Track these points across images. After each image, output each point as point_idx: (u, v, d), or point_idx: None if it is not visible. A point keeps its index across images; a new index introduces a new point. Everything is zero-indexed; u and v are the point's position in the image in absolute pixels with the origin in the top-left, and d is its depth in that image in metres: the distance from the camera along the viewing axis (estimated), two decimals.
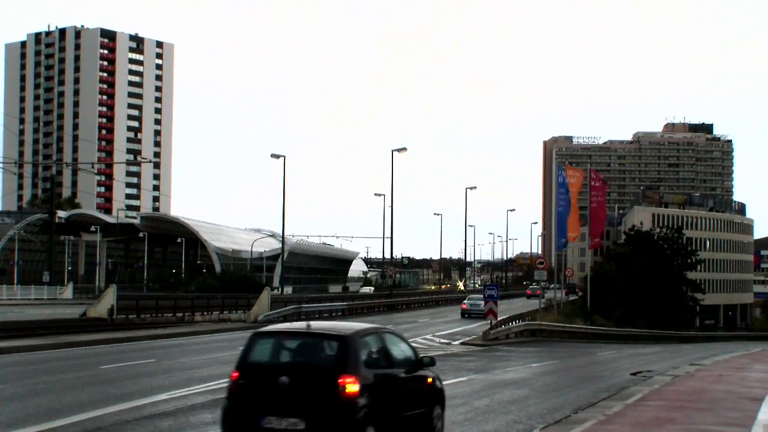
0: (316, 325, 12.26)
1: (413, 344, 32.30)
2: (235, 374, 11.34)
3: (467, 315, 58.91)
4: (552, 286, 73.01)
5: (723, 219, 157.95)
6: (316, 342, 11.56)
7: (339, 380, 10.67)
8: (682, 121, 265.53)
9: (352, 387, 10.68)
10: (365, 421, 10.75)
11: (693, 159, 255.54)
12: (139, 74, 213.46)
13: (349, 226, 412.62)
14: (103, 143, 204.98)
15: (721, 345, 57.32)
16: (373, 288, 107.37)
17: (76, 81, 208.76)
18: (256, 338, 11.97)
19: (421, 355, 12.82)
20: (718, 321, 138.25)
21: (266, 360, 11.59)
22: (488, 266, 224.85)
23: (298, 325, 12.89)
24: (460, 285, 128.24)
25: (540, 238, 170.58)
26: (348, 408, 10.64)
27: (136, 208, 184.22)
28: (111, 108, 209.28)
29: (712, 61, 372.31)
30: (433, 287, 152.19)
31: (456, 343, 37.60)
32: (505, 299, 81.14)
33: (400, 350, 12.44)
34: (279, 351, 11.71)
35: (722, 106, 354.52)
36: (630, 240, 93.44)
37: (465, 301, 63.24)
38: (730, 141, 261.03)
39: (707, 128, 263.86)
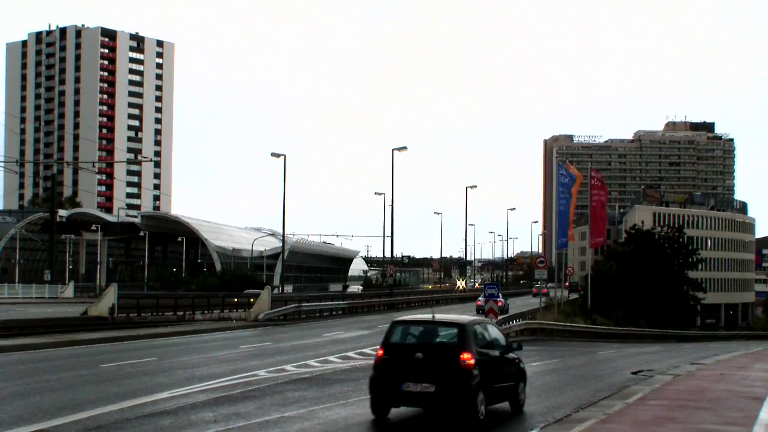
0: (439, 316, 15.58)
1: None
2: (381, 351, 14.93)
3: (482, 311, 60.26)
4: (550, 285, 73.17)
5: (724, 218, 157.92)
6: (440, 328, 15.30)
7: (460, 356, 14.29)
8: (683, 120, 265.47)
9: (469, 360, 14.31)
10: (478, 387, 14.37)
11: (694, 158, 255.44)
12: (140, 73, 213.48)
13: (350, 225, 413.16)
14: (104, 142, 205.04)
15: (722, 344, 57.29)
16: (361, 287, 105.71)
17: (77, 80, 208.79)
18: (394, 325, 15.56)
19: (511, 341, 16.79)
20: (719, 320, 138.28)
21: (403, 341, 15.17)
22: (488, 265, 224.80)
23: (425, 316, 15.94)
24: (460, 284, 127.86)
25: (540, 237, 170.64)
26: (466, 376, 14.23)
27: (137, 207, 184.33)
28: (111, 107, 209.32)
29: (713, 60, 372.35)
30: (429, 287, 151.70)
31: None
32: (505, 298, 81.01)
33: (495, 337, 16.18)
34: (412, 334, 15.33)
35: (724, 104, 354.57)
36: (631, 239, 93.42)
37: (480, 298, 65.13)
38: (732, 140, 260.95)
39: (708, 127, 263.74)
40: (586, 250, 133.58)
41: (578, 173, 64.33)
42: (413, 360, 14.49)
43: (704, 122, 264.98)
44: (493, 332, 16.33)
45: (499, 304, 59.28)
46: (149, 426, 13.93)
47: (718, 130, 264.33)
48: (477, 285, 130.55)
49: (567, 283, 78.47)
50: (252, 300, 55.53)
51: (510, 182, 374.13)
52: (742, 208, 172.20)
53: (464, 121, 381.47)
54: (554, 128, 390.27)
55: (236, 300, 54.79)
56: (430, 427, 14.94)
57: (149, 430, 13.62)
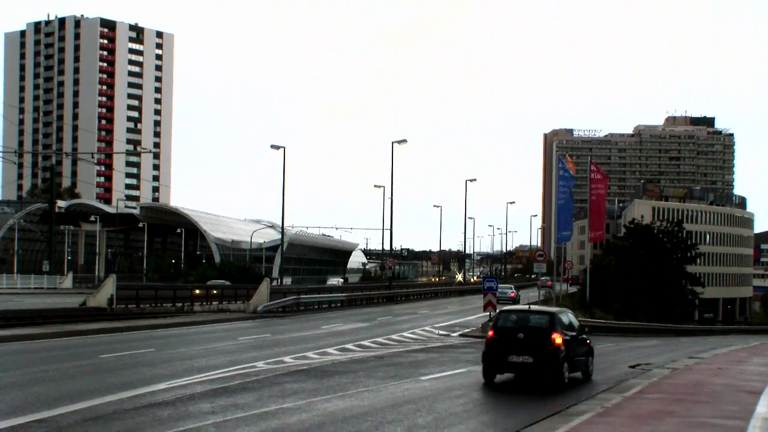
0: (534, 307, 21.44)
1: (413, 335, 32.15)
2: (491, 333, 19.79)
3: (498, 301, 64.02)
4: (545, 278, 73.68)
5: (723, 213, 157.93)
6: (535, 315, 20.35)
7: (551, 336, 19.14)
8: (683, 115, 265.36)
9: (558, 340, 19.15)
10: (563, 360, 19.26)
11: (694, 152, 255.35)
12: (139, 64, 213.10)
13: (349, 217, 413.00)
14: (103, 133, 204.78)
15: (720, 338, 57.33)
16: (341, 280, 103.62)
17: (76, 71, 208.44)
18: (501, 313, 20.89)
19: (582, 327, 21.69)
20: (717, 314, 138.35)
21: (508, 324, 19.94)
22: (487, 258, 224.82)
23: (522, 306, 22.43)
24: (459, 277, 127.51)
25: (540, 230, 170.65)
26: (556, 351, 19.11)
27: (136, 198, 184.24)
28: (111, 98, 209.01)
29: (714, 55, 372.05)
30: (424, 279, 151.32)
31: (455, 334, 37.64)
32: (517, 290, 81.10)
33: (573, 322, 20.99)
34: (514, 319, 20.18)
35: (724, 99, 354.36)
36: (630, 233, 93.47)
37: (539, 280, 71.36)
38: (732, 135, 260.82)
39: (708, 122, 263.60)
40: (585, 244, 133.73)
41: (572, 166, 64.27)
42: (516, 339, 19.27)
43: (704, 117, 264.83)
44: (572, 319, 21.21)
45: (512, 295, 67.38)
46: (147, 416, 13.93)
47: (718, 125, 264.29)
48: (474, 279, 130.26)
49: (568, 277, 79.03)
50: (215, 292, 54.84)
51: (510, 176, 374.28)
52: (742, 203, 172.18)
53: (464, 115, 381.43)
54: (554, 122, 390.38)
55: (197, 291, 52.35)
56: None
57: (147, 420, 13.63)
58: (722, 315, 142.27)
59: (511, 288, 70.11)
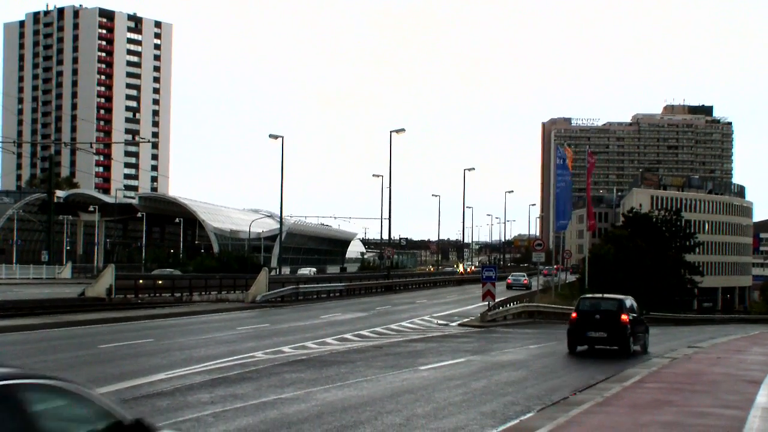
0: (606, 295, 27.49)
1: (412, 325, 32.25)
2: (575, 315, 25.81)
3: (512, 288, 71.39)
4: (542, 268, 74.25)
5: (722, 201, 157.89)
6: (609, 300, 26.35)
7: (620, 317, 25.30)
8: (681, 103, 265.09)
9: (625, 318, 25.32)
10: (630, 334, 25.46)
11: (692, 141, 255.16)
12: (138, 54, 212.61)
13: (347, 206, 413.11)
14: (102, 123, 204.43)
15: (720, 327, 57.37)
16: (314, 270, 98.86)
17: (75, 61, 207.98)
18: (581, 300, 27.53)
19: (641, 311, 28.01)
20: (716, 304, 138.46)
21: (587, 308, 25.92)
22: (486, 248, 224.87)
23: (597, 294, 28.67)
24: (460, 267, 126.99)
25: (538, 219, 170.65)
26: (625, 328, 25.29)
27: (135, 188, 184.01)
28: (109, 88, 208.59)
29: (712, 43, 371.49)
30: (416, 270, 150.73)
31: (454, 324, 37.64)
32: (503, 281, 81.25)
33: (635, 306, 26.84)
34: (591, 304, 26.27)
35: (722, 88, 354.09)
36: (628, 222, 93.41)
37: (509, 277, 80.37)
38: (730, 123, 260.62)
39: (707, 110, 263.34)
40: (584, 233, 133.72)
41: (570, 154, 64.22)
42: (594, 318, 25.42)
43: (703, 105, 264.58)
44: (634, 304, 26.95)
45: (525, 282, 75.93)
46: (146, 407, 13.91)
47: (717, 113, 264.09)
48: (472, 268, 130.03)
49: (565, 267, 79.87)
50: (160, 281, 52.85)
51: (508, 165, 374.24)
52: (740, 191, 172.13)
53: (463, 104, 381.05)
54: (552, 111, 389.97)
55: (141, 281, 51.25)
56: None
57: (146, 410, 13.59)
58: (721, 304, 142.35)
59: (524, 275, 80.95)
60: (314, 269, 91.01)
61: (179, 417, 13.06)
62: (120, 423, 5.63)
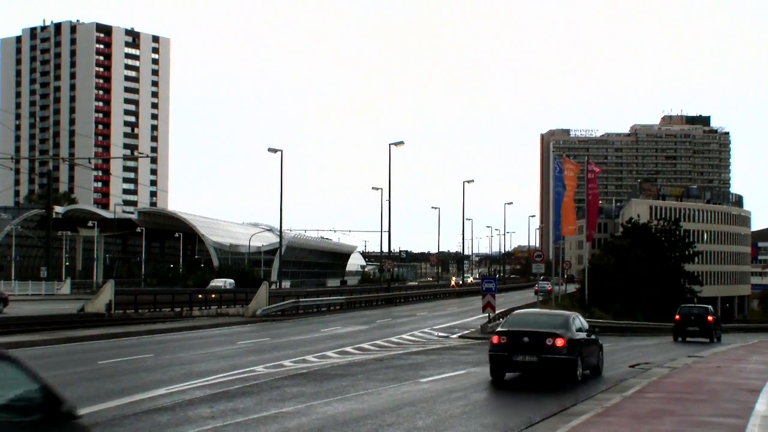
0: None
1: (412, 338, 32.23)
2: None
3: (538, 294, 70.42)
4: (545, 284, 74.77)
5: (720, 211, 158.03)
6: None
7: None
8: (679, 114, 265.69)
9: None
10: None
11: (690, 151, 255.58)
12: (136, 69, 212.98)
13: (347, 220, 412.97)
14: (100, 138, 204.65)
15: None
16: (231, 281, 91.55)
17: (72, 76, 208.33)
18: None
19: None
20: (715, 313, 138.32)
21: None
22: (486, 259, 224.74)
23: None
24: (453, 281, 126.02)
25: (538, 231, 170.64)
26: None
27: (134, 203, 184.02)
28: (107, 103, 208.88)
29: (709, 54, 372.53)
30: (412, 283, 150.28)
31: (454, 336, 37.63)
32: (503, 292, 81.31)
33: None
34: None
35: (719, 98, 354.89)
36: (627, 232, 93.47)
37: (537, 285, 76.86)
38: (728, 133, 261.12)
39: (704, 120, 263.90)
40: (584, 243, 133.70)
41: (577, 167, 64.39)
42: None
43: (700, 116, 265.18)
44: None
45: (549, 289, 75.71)
46: (147, 422, 13.91)
47: (714, 123, 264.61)
48: (471, 280, 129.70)
49: (563, 278, 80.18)
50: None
51: (507, 177, 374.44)
52: (738, 201, 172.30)
53: (461, 116, 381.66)
54: (551, 122, 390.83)
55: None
56: (532, 389, 19.82)
57: (147, 426, 13.61)
58: (721, 313, 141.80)
59: (548, 283, 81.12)
60: (231, 280, 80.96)
61: None
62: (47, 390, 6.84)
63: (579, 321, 21.61)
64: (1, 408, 6.80)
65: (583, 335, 21.13)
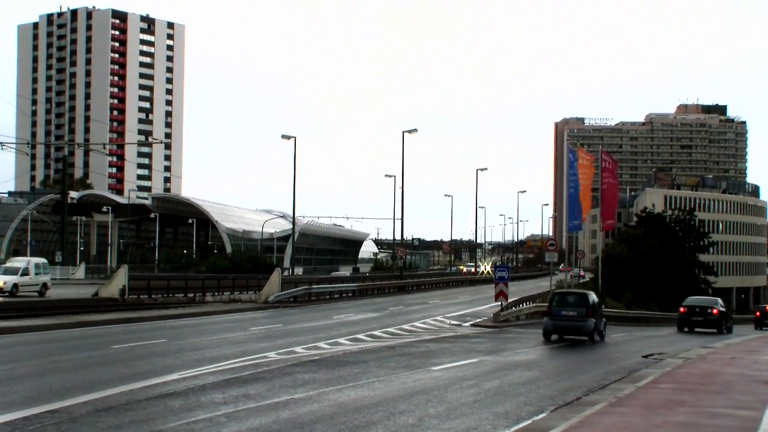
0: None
1: (424, 325, 32.21)
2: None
3: (573, 278, 73.71)
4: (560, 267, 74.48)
5: (736, 201, 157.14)
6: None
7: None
8: (695, 103, 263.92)
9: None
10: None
11: (706, 141, 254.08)
12: (151, 55, 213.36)
13: (360, 207, 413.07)
14: (115, 124, 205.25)
15: (733, 328, 56.98)
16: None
17: (88, 62, 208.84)
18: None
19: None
20: (730, 304, 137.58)
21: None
22: (499, 248, 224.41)
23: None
24: (463, 268, 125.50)
25: (551, 220, 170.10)
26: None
27: (148, 189, 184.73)
28: (122, 89, 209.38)
29: (726, 42, 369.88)
30: (429, 270, 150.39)
31: (466, 324, 37.60)
32: (515, 281, 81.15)
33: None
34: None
35: (736, 87, 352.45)
36: (641, 222, 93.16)
37: (571, 270, 79.31)
38: (744, 122, 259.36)
39: (721, 110, 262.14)
40: (597, 233, 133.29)
41: (592, 156, 64.08)
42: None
43: (716, 105, 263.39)
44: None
45: (582, 275, 79.46)
46: (159, 407, 13.95)
47: (731, 112, 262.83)
48: (485, 269, 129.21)
49: (579, 266, 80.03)
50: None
51: (520, 165, 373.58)
52: (755, 191, 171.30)
53: (475, 104, 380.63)
54: (565, 111, 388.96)
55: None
56: (544, 378, 18.38)
57: (159, 411, 13.64)
58: (736, 304, 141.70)
59: (580, 269, 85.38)
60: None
61: (192, 417, 13.08)
62: None
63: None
64: None
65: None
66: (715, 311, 40.55)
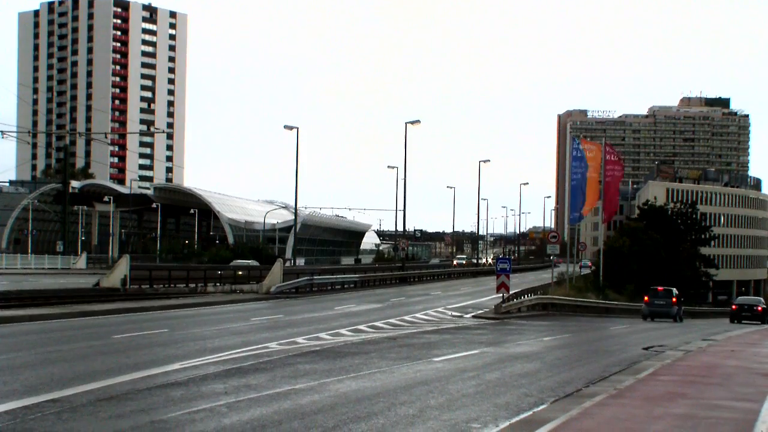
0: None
1: (426, 317, 32.23)
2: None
3: (582, 269, 78.35)
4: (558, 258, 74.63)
5: (738, 194, 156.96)
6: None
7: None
8: (698, 96, 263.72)
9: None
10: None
11: (709, 134, 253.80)
12: (152, 44, 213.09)
13: (362, 198, 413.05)
14: (117, 113, 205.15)
15: None
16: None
17: (90, 51, 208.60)
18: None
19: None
20: (731, 296, 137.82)
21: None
22: (501, 240, 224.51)
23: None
24: (455, 261, 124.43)
25: (553, 212, 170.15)
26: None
27: (149, 179, 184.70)
28: (124, 78, 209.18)
29: (729, 35, 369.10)
30: (431, 261, 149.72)
31: (468, 316, 37.63)
32: (517, 273, 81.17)
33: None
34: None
35: (739, 80, 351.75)
36: (643, 215, 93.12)
37: (581, 262, 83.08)
38: (747, 116, 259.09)
39: (724, 103, 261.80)
40: (599, 225, 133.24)
41: (598, 146, 63.97)
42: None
43: (719, 98, 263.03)
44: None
45: (590, 265, 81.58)
46: (160, 397, 13.97)
47: (734, 106, 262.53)
48: (489, 259, 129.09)
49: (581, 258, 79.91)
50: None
51: (523, 157, 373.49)
52: (757, 184, 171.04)
53: (478, 96, 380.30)
54: (568, 103, 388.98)
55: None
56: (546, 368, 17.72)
57: (160, 401, 13.66)
58: (737, 297, 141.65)
59: (588, 260, 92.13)
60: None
61: (193, 407, 13.10)
62: None
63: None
64: None
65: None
66: (759, 308, 50.31)
